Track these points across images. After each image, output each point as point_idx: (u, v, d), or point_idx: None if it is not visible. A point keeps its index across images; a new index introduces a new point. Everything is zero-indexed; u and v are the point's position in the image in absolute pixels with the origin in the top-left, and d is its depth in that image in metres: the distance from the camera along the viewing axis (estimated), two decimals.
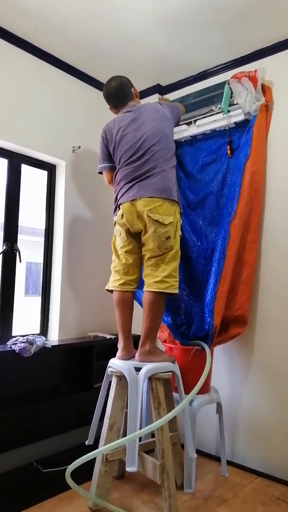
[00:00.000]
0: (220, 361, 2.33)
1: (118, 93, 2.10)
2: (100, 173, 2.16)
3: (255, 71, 2.22)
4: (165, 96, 2.73)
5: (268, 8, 1.99)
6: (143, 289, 1.91)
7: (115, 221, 2.00)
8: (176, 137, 2.44)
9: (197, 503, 1.87)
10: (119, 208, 1.95)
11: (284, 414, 2.10)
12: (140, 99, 2.42)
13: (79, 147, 2.54)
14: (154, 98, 2.70)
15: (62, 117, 2.50)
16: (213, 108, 2.34)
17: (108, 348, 2.37)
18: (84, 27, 2.17)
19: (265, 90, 2.26)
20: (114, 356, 1.97)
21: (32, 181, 2.51)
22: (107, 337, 2.44)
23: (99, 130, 2.14)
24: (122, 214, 1.92)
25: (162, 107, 2.07)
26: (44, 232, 2.52)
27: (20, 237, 2.34)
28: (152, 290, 1.86)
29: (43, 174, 2.53)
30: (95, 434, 2.01)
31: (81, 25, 2.15)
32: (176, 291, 1.89)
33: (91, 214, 2.66)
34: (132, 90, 2.13)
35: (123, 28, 2.16)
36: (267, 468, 2.14)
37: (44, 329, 2.46)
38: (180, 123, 2.39)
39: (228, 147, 2.35)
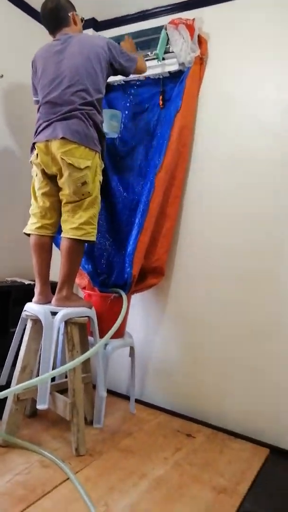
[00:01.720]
0: (137, 309, 2.43)
1: (52, 16, 1.90)
2: None
3: (193, 20, 2.16)
4: (100, 33, 2.55)
5: None
6: (61, 235, 1.89)
7: (31, 161, 1.90)
8: (108, 79, 2.33)
9: (104, 437, 2.01)
10: (35, 148, 1.85)
11: (188, 358, 2.29)
12: None
13: (2, 76, 2.32)
14: (88, 32, 2.52)
15: None
16: (149, 53, 2.24)
17: (26, 294, 2.32)
18: None
19: (201, 42, 2.21)
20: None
21: None
22: (26, 283, 2.40)
23: (25, 58, 1.95)
24: (37, 154, 1.83)
25: (99, 41, 1.88)
26: None
27: None
28: (69, 236, 1.83)
29: None
30: (7, 377, 2.02)
31: None
32: (93, 238, 1.88)
33: (14, 150, 2.48)
34: (70, 14, 1.92)
35: None
36: (170, 405, 2.34)
37: None
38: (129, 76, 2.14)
39: (161, 97, 2.31)
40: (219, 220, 2.20)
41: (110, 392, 2.49)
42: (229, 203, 2.17)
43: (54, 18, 1.90)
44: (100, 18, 2.52)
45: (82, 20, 2.00)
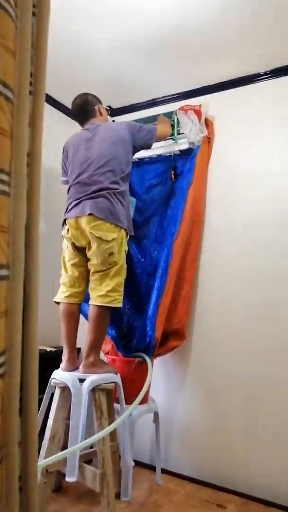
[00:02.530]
0: (158, 373, 2.44)
1: (80, 110, 2.17)
2: None
3: (200, 106, 2.44)
4: (115, 118, 2.85)
5: (213, 51, 2.21)
6: (89, 303, 1.98)
7: (62, 235, 2.05)
8: None
9: (133, 510, 1.94)
10: (66, 223, 2.01)
11: (213, 423, 2.27)
12: None
13: None
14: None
15: None
16: None
17: (48, 361, 2.35)
18: None
19: (208, 123, 2.48)
20: (54, 368, 1.99)
21: None
22: (48, 350, 2.44)
23: (51, 146, 2.18)
24: (68, 229, 1.99)
25: (121, 127, 2.12)
26: None
27: None
28: (96, 304, 1.93)
29: None
30: None
31: None
32: (119, 305, 1.97)
33: (41, 227, 2.66)
34: (96, 107, 2.19)
35: (80, 48, 2.23)
36: (197, 473, 2.28)
37: None
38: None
39: (173, 172, 2.53)
40: (233, 280, 2.31)
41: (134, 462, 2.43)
42: (241, 264, 2.29)
43: (83, 112, 2.17)
44: (114, 106, 2.82)
45: (107, 109, 2.27)
